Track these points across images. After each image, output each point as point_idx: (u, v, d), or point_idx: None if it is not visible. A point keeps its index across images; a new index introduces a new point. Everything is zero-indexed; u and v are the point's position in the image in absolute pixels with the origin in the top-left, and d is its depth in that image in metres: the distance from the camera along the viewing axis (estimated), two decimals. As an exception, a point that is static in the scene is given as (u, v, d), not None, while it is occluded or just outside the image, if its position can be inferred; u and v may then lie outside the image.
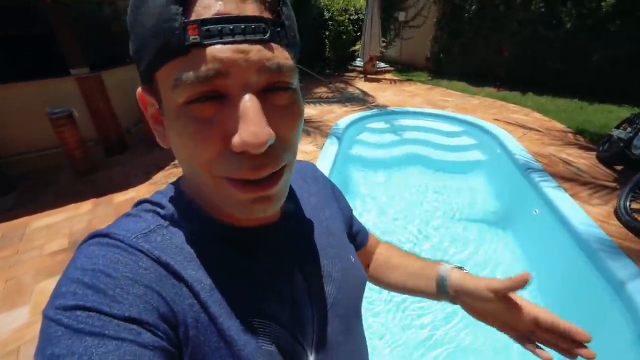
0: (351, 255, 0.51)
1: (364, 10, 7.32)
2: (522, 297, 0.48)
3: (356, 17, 8.19)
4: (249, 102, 0.27)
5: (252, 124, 0.27)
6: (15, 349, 1.56)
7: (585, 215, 2.22)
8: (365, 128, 4.42)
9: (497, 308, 0.48)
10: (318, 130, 4.08)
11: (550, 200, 2.43)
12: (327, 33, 7.79)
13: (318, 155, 3.18)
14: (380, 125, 4.51)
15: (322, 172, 0.60)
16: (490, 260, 2.39)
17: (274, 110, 0.29)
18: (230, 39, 0.26)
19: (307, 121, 4.32)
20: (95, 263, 0.29)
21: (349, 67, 8.69)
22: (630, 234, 2.08)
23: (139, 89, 0.34)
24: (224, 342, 0.32)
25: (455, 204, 3.09)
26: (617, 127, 3.09)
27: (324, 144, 3.46)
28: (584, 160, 3.16)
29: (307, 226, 0.47)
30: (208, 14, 0.26)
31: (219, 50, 0.26)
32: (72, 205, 2.79)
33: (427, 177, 3.57)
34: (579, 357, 0.43)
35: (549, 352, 0.46)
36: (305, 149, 3.48)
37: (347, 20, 7.87)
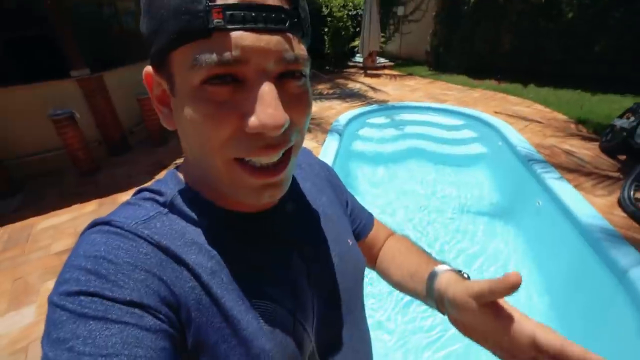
0: (349, 239, 0.52)
1: (363, 6, 7.28)
2: (515, 309, 0.34)
3: (355, 12, 8.14)
4: (267, 87, 0.28)
5: (270, 107, 0.28)
6: (24, 347, 1.59)
7: (589, 206, 2.20)
8: (365, 123, 4.41)
9: (483, 321, 0.34)
10: (319, 126, 4.08)
11: (553, 191, 2.41)
12: (326, 29, 7.76)
13: (319, 151, 3.18)
14: (381, 120, 4.50)
15: (318, 158, 0.61)
16: (494, 254, 2.38)
17: (287, 97, 0.30)
18: (252, 25, 0.27)
19: (308, 118, 4.31)
20: (97, 250, 0.30)
21: (349, 63, 8.66)
22: (635, 224, 2.06)
23: (147, 68, 0.35)
24: (227, 322, 0.33)
25: (457, 197, 3.09)
26: (620, 117, 3.06)
27: (324, 140, 3.46)
28: (586, 150, 3.14)
29: (304, 211, 0.47)
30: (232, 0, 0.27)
31: (241, 36, 0.27)
32: (77, 206, 2.81)
33: (429, 171, 3.56)
34: None
35: None
36: (306, 145, 3.47)
37: (346, 16, 7.83)
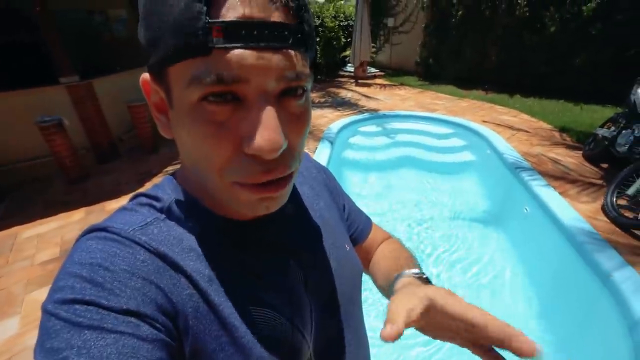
0: (346, 244, 0.52)
1: (354, 17, 7.43)
2: (438, 287, 0.35)
3: (346, 23, 8.31)
4: (267, 109, 0.28)
5: (269, 130, 0.27)
6: (7, 361, 1.53)
7: (575, 212, 2.27)
8: (357, 132, 4.46)
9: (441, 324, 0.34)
10: (311, 134, 4.10)
11: (540, 198, 2.48)
12: (317, 39, 7.87)
13: (311, 159, 3.20)
14: (372, 128, 4.56)
15: (316, 161, 0.59)
16: (482, 258, 2.42)
17: (286, 116, 0.30)
18: (254, 44, 0.26)
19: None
20: (93, 257, 0.29)
21: (340, 72, 8.77)
22: (617, 229, 2.13)
23: (144, 75, 0.33)
24: (225, 330, 0.32)
25: (446, 204, 3.13)
26: (602, 127, 3.17)
27: (316, 148, 3.48)
28: (571, 159, 3.24)
29: (302, 217, 0.47)
30: (233, 16, 0.25)
31: (242, 55, 0.26)
32: (64, 214, 2.75)
33: (419, 178, 3.61)
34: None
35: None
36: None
37: (337, 27, 7.97)
